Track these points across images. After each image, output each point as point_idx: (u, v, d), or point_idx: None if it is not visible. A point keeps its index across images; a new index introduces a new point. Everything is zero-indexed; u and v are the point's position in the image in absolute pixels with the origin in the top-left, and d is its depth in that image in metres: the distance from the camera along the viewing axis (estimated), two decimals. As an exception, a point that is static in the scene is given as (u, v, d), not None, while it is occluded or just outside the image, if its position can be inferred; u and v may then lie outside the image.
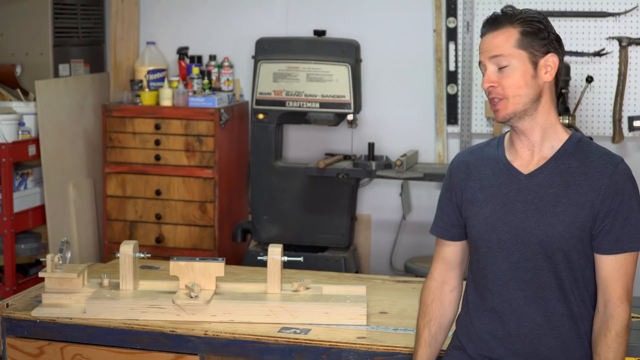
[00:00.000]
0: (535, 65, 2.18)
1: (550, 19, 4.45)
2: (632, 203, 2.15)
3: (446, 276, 2.38)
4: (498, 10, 2.24)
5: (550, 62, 2.20)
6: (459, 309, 2.39)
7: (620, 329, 2.15)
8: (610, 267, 2.16)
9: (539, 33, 2.18)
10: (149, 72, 4.77)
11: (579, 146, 2.21)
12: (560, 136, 2.23)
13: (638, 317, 2.73)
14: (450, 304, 2.38)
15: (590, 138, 4.26)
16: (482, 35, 2.22)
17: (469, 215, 2.27)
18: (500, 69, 2.17)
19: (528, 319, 2.19)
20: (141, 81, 4.77)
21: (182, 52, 4.92)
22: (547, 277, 2.17)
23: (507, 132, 2.33)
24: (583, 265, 2.18)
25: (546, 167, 2.20)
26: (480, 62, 2.22)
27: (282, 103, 4.45)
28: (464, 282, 2.39)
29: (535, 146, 2.22)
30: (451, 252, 2.37)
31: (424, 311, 2.38)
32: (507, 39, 2.17)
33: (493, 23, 2.19)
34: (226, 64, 4.83)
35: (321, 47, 4.44)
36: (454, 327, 2.41)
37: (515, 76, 2.17)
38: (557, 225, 2.15)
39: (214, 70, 4.84)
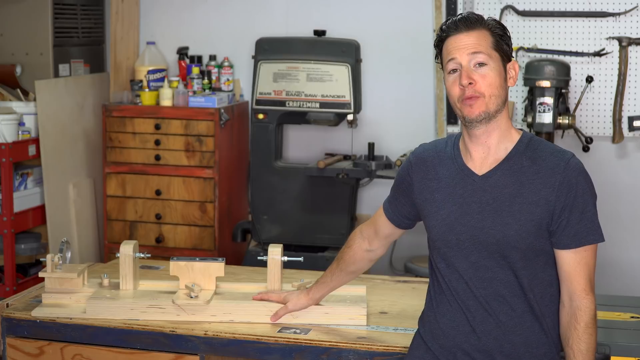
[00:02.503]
0: (505, 68, 2.23)
1: (550, 19, 4.48)
2: (586, 197, 2.19)
3: (370, 238, 2.54)
4: (464, 14, 2.27)
5: (514, 68, 2.25)
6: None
7: (588, 319, 2.18)
8: (572, 261, 2.19)
9: (505, 39, 2.24)
10: (149, 72, 4.77)
11: (529, 145, 2.24)
12: (513, 137, 2.26)
13: (638, 317, 2.73)
14: (362, 259, 2.56)
15: (591, 138, 4.29)
16: (451, 34, 2.22)
17: (427, 215, 2.31)
18: (479, 66, 2.18)
19: (491, 316, 2.22)
20: (141, 81, 4.77)
21: (182, 52, 4.92)
22: (506, 276, 2.21)
23: (460, 132, 2.34)
24: (543, 263, 2.22)
25: (499, 168, 2.23)
26: (451, 59, 2.20)
27: (282, 103, 4.45)
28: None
29: (491, 149, 2.24)
30: (385, 227, 2.50)
31: (341, 252, 2.61)
32: (483, 39, 2.20)
33: (466, 23, 2.21)
34: (226, 64, 4.83)
35: (321, 47, 4.44)
36: (416, 326, 2.43)
37: (493, 76, 2.19)
38: (513, 224, 2.18)
39: (214, 70, 4.84)
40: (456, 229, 2.24)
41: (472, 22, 2.21)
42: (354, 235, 2.58)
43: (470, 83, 2.17)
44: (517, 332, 2.22)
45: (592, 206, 2.20)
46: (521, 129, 2.31)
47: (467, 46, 2.19)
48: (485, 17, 2.24)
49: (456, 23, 2.22)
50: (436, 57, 2.30)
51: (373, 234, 2.53)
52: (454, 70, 2.21)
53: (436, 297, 2.33)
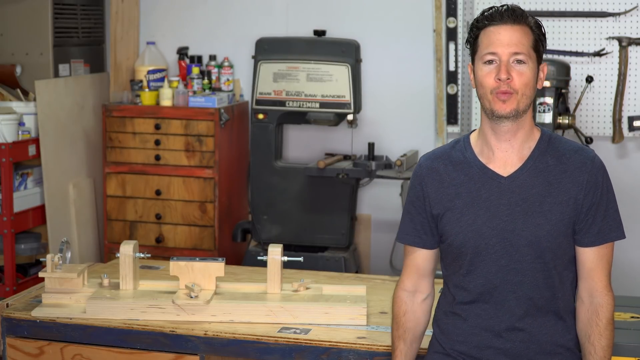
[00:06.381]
0: (537, 70, 2.21)
1: (550, 19, 4.47)
2: (610, 195, 2.23)
3: (418, 285, 2.36)
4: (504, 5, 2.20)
5: (543, 70, 2.23)
6: (432, 313, 2.38)
7: (610, 316, 2.21)
8: (594, 258, 2.21)
9: (542, 41, 2.21)
10: (149, 72, 4.77)
11: (550, 144, 2.24)
12: (535, 136, 2.25)
13: (638, 317, 2.73)
14: (424, 313, 2.37)
15: (591, 138, 4.28)
16: (495, 24, 2.16)
17: (448, 223, 2.25)
18: (517, 62, 2.15)
19: (519, 320, 2.21)
20: (141, 81, 4.77)
21: (182, 52, 4.92)
22: (537, 278, 2.20)
23: (470, 132, 2.32)
24: (567, 261, 2.22)
25: (525, 167, 2.21)
26: (491, 52, 2.15)
27: (282, 103, 4.45)
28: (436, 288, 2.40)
29: (514, 147, 2.22)
30: (424, 260, 2.34)
31: (397, 323, 2.36)
32: (526, 36, 2.16)
33: (513, 16, 2.16)
34: (226, 64, 4.83)
35: (321, 47, 4.44)
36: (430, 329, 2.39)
37: (528, 75, 2.16)
38: (544, 224, 2.17)
39: (214, 70, 4.84)
40: (485, 234, 2.19)
41: (518, 16, 2.16)
42: (398, 300, 2.36)
43: (507, 78, 2.14)
44: (543, 333, 2.21)
45: (614, 203, 2.24)
46: (539, 126, 2.28)
47: (510, 43, 2.14)
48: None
49: (502, 14, 2.16)
50: (467, 42, 2.23)
51: (417, 279, 2.35)
52: (491, 62, 2.16)
53: (459, 304, 2.26)
